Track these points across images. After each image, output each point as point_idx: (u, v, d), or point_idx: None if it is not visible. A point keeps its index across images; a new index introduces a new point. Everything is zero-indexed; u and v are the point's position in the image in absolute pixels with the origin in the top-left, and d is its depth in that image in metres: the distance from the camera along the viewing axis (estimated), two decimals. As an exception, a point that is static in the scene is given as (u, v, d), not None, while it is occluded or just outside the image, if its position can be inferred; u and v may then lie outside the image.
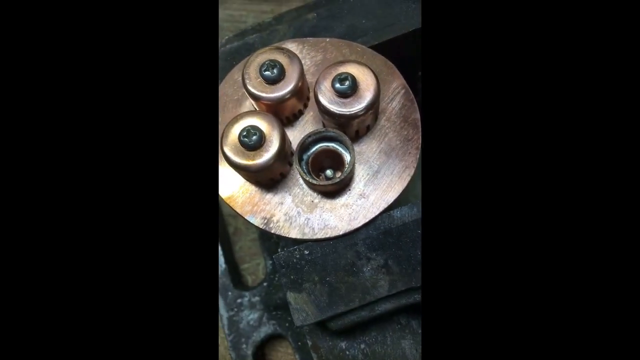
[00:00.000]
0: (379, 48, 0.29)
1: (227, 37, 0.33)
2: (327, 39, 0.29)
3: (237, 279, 0.38)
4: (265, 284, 0.36)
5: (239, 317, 0.35)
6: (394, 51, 0.29)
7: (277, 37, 0.30)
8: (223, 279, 0.36)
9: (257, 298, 0.36)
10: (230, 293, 0.36)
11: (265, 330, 0.35)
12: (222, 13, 0.46)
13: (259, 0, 0.46)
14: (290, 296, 0.25)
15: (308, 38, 0.29)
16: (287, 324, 0.35)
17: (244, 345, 0.35)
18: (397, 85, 0.28)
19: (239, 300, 0.36)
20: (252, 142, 0.24)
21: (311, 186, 0.26)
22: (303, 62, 0.28)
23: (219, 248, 0.37)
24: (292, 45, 0.29)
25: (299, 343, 0.35)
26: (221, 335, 0.37)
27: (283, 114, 0.27)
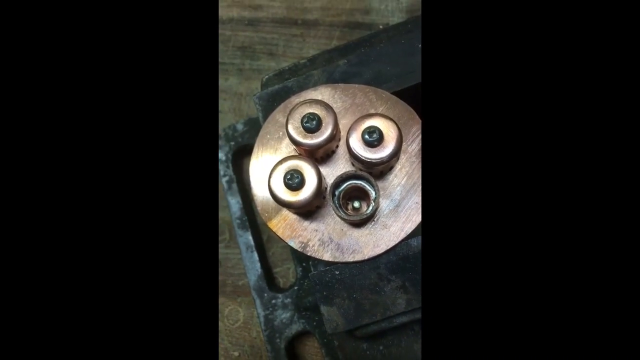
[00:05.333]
0: (401, 94, 0.33)
1: (266, 76, 0.37)
2: (356, 85, 0.33)
3: (271, 282, 0.43)
4: (296, 287, 0.42)
5: (274, 315, 0.41)
6: (414, 96, 0.33)
7: (312, 82, 0.34)
8: (260, 282, 0.42)
9: (288, 300, 0.41)
10: (266, 295, 0.41)
11: (296, 327, 0.41)
12: (256, 36, 0.50)
13: (290, 24, 0.50)
14: (323, 309, 0.30)
15: (339, 84, 0.33)
16: (314, 323, 0.41)
17: (278, 340, 0.41)
18: (416, 129, 0.32)
19: (273, 301, 0.41)
20: (295, 184, 0.28)
21: (342, 218, 0.31)
22: (335, 105, 0.33)
23: (256, 254, 0.43)
24: (325, 90, 0.33)
25: (325, 340, 0.40)
26: (258, 330, 0.42)
27: (318, 154, 0.31)
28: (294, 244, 0.31)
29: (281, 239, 0.32)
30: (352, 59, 0.34)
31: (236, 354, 0.43)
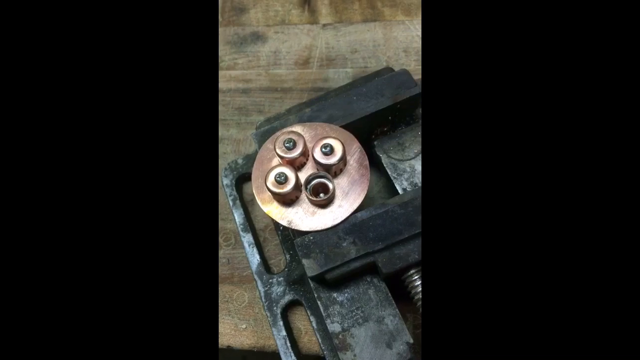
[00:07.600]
0: (345, 126, 0.52)
1: (259, 122, 0.56)
2: (317, 123, 0.52)
3: (268, 268, 0.59)
4: (286, 269, 0.58)
5: (271, 290, 0.57)
6: (353, 127, 0.52)
7: (289, 123, 0.54)
8: (260, 268, 0.58)
9: (281, 278, 0.57)
10: (264, 276, 0.57)
11: (288, 297, 0.56)
12: (248, 100, 0.70)
13: (272, 91, 0.71)
14: (304, 261, 0.47)
15: (307, 123, 0.53)
16: (301, 294, 0.56)
17: (275, 308, 0.56)
18: (355, 146, 0.51)
19: (270, 281, 0.57)
20: (282, 180, 0.46)
21: (312, 202, 0.48)
22: (305, 136, 0.51)
23: (256, 248, 0.59)
24: (298, 127, 0.52)
25: (309, 304, 0.56)
26: (259, 307, 0.58)
27: (295, 165, 0.50)
28: (284, 222, 0.49)
29: (274, 219, 0.49)
30: (314, 108, 0.54)
31: (244, 326, 0.58)
